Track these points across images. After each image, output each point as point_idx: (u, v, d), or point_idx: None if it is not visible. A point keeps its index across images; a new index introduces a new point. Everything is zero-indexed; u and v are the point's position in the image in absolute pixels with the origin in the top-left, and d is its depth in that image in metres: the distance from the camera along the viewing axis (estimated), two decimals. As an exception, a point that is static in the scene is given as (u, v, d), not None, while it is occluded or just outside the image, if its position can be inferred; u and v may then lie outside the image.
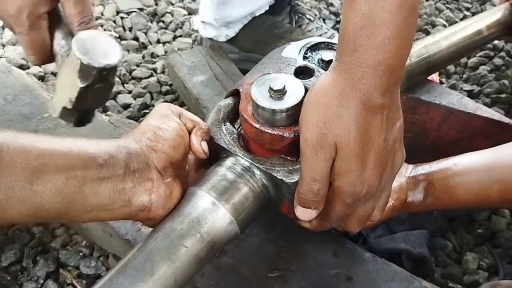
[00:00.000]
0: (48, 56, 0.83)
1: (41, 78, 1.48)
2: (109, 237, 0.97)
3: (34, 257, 1.06)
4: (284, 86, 0.69)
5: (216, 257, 0.88)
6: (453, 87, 1.52)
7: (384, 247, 1.03)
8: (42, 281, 1.02)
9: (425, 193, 0.92)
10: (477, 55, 1.67)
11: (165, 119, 0.70)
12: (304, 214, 0.69)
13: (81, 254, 1.07)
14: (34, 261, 1.06)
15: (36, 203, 0.60)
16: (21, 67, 1.50)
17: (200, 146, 0.71)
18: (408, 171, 0.95)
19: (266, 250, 0.90)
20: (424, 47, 1.17)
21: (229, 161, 0.73)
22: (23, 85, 1.19)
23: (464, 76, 1.61)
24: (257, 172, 0.72)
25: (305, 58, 0.80)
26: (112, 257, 1.04)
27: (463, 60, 1.65)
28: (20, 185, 0.58)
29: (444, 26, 1.79)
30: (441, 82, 1.55)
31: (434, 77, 1.42)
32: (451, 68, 1.63)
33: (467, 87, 1.56)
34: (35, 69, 1.51)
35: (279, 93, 0.69)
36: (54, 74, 1.51)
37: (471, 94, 1.51)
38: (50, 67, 1.52)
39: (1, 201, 0.58)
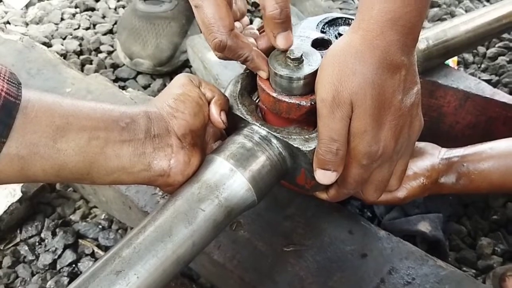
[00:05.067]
0: None
1: (63, 56, 1.50)
2: (128, 209, 0.99)
3: (53, 229, 1.08)
4: (302, 55, 0.70)
5: (233, 230, 0.89)
6: (471, 76, 1.51)
7: (398, 229, 1.03)
8: (59, 252, 1.04)
9: (458, 175, 0.92)
10: (496, 45, 1.65)
11: (186, 88, 0.72)
12: (324, 177, 0.69)
13: (100, 226, 1.08)
14: (53, 233, 1.08)
15: (59, 161, 0.61)
16: (44, 44, 1.52)
17: (219, 116, 0.72)
18: (442, 152, 0.95)
19: (282, 225, 0.91)
20: (442, 31, 1.16)
21: (246, 131, 0.74)
22: (46, 60, 1.21)
23: (483, 66, 1.60)
24: (274, 141, 0.73)
25: (322, 32, 0.80)
26: (130, 230, 1.06)
27: (482, 50, 1.64)
28: (44, 142, 0.60)
29: (463, 17, 1.78)
30: (459, 71, 1.54)
31: (451, 63, 1.41)
32: (469, 57, 1.62)
33: (485, 76, 1.55)
34: (58, 47, 1.52)
35: (296, 62, 0.70)
36: (76, 53, 1.53)
37: (489, 84, 1.49)
38: (73, 45, 1.54)
39: (25, 156, 0.59)
